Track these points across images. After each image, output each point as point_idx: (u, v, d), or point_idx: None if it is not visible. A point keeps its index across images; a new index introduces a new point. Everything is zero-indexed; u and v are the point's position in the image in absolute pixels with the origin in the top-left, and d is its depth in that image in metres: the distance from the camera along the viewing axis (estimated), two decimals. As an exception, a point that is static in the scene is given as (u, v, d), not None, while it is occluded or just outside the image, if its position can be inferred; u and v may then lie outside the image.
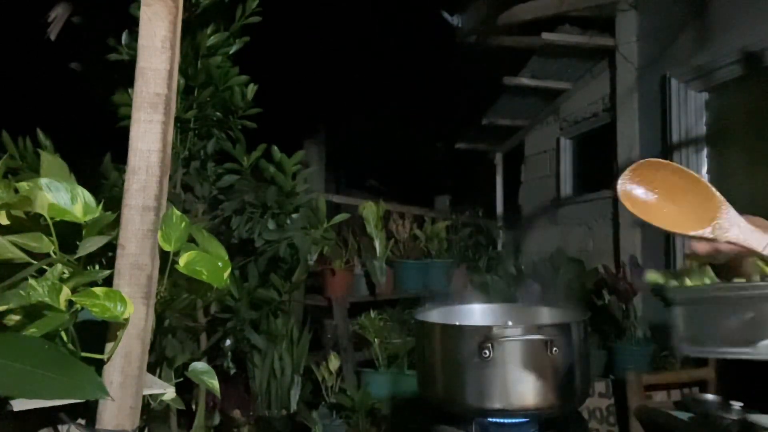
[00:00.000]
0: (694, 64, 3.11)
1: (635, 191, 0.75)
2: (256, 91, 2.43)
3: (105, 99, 2.25)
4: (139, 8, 0.82)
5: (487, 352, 1.22)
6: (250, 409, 2.88)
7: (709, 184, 0.74)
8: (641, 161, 0.76)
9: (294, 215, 2.49)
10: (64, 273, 0.81)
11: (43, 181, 0.84)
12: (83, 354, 0.80)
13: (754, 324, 0.66)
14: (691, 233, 0.72)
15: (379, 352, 3.22)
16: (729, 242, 0.71)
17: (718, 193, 0.73)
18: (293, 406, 2.96)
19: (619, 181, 0.76)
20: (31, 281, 0.76)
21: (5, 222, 0.81)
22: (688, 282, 0.77)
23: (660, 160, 0.77)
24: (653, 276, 0.80)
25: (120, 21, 2.25)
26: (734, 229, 0.71)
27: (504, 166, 5.65)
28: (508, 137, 5.36)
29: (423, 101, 5.42)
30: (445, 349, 1.35)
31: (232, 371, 2.64)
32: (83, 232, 0.84)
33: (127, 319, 0.78)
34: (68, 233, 0.84)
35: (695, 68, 3.12)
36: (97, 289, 0.76)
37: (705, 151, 3.21)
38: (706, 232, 0.71)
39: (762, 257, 0.71)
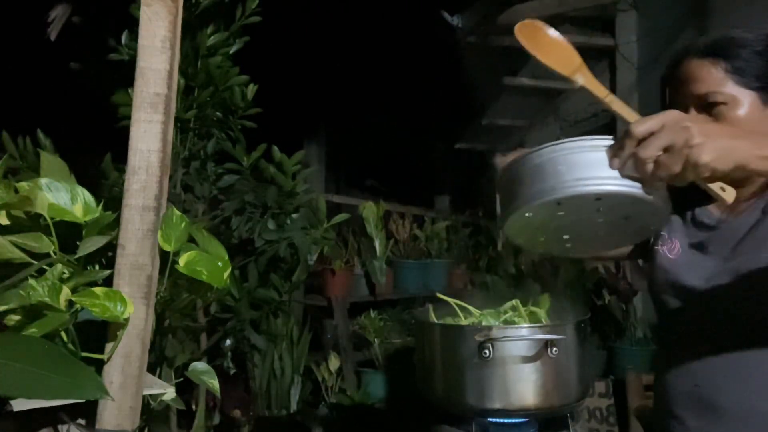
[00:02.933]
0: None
1: (532, 38, 0.97)
2: (256, 91, 2.43)
3: (105, 99, 2.25)
4: (139, 8, 0.82)
5: (487, 352, 1.22)
6: (250, 409, 2.88)
7: (573, 48, 0.95)
8: (523, 22, 0.98)
9: (294, 215, 2.49)
10: (64, 273, 0.81)
11: (43, 181, 0.84)
12: (83, 354, 0.80)
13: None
14: (566, 74, 0.93)
15: (379, 352, 3.21)
16: (583, 86, 0.93)
17: (578, 55, 0.95)
18: (293, 406, 2.96)
19: (516, 29, 0.97)
20: (31, 281, 0.76)
21: (5, 222, 0.81)
22: None
23: (535, 21, 0.97)
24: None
25: (120, 21, 2.24)
26: (587, 78, 0.93)
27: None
28: (508, 137, 5.36)
29: (423, 101, 5.42)
30: (445, 349, 1.35)
31: (232, 371, 2.64)
32: (83, 232, 0.84)
33: (127, 319, 0.78)
34: (68, 233, 0.84)
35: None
36: (97, 289, 0.76)
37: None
38: (576, 78, 0.93)
39: (605, 103, 0.90)
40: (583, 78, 0.93)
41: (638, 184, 0.82)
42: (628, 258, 1.38)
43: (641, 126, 0.79)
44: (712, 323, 1.09)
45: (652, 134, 0.79)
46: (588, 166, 0.82)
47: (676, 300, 1.15)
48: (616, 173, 0.82)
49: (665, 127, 0.78)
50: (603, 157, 0.83)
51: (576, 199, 0.84)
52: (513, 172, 0.90)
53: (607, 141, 0.83)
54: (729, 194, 0.83)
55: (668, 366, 1.19)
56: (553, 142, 0.86)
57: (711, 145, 0.77)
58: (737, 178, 0.82)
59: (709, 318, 1.10)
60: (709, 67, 1.06)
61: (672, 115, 0.80)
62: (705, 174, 0.78)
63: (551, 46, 0.95)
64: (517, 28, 0.96)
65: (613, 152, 0.82)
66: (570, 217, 0.91)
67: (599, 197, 0.84)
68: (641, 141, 0.79)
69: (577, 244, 1.04)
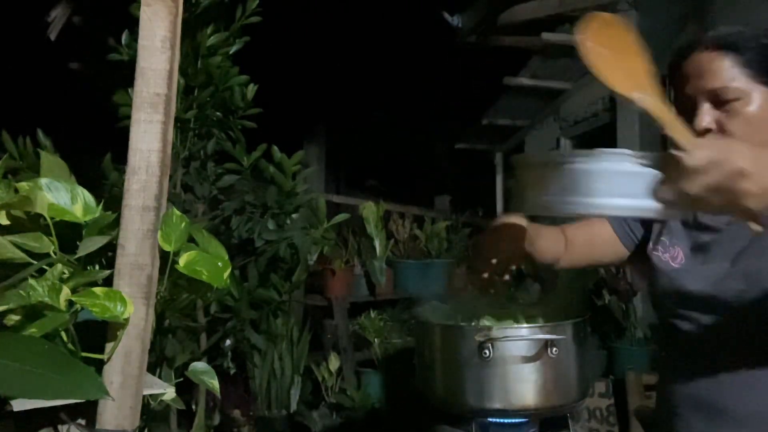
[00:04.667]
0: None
1: (593, 46, 0.79)
2: (256, 91, 2.44)
3: (105, 99, 2.25)
4: (139, 8, 0.82)
5: (487, 352, 1.22)
6: (250, 409, 2.88)
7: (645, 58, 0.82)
8: (595, 15, 0.80)
9: (294, 215, 2.49)
10: (64, 273, 0.81)
11: (43, 181, 0.84)
12: (83, 354, 0.80)
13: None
14: (628, 94, 0.79)
15: (379, 352, 3.21)
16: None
17: (649, 66, 0.81)
18: (293, 406, 2.96)
19: (580, 36, 0.79)
20: (31, 281, 0.76)
21: (5, 222, 0.81)
22: None
23: (612, 15, 0.82)
24: None
25: (120, 21, 2.25)
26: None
27: (504, 166, 5.65)
28: (508, 137, 5.36)
29: (423, 101, 5.42)
30: (445, 349, 1.35)
31: (232, 371, 2.64)
32: (83, 232, 0.84)
33: (127, 319, 0.78)
34: (68, 233, 0.84)
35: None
36: (97, 289, 0.76)
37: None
38: (636, 96, 0.79)
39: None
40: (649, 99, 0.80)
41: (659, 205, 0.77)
42: (628, 262, 1.37)
43: (692, 159, 0.73)
44: (718, 327, 1.07)
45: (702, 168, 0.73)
46: (610, 180, 0.77)
47: (681, 306, 1.12)
48: (632, 191, 0.76)
49: (719, 165, 0.72)
50: (625, 171, 0.77)
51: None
52: (543, 170, 0.86)
53: (620, 155, 0.78)
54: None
55: (673, 369, 1.17)
56: (583, 152, 0.80)
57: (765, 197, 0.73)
58: None
59: (716, 321, 1.07)
60: (721, 59, 1.03)
61: (727, 150, 0.74)
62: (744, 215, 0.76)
63: (622, 54, 0.81)
64: (580, 32, 0.79)
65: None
66: None
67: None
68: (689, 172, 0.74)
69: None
